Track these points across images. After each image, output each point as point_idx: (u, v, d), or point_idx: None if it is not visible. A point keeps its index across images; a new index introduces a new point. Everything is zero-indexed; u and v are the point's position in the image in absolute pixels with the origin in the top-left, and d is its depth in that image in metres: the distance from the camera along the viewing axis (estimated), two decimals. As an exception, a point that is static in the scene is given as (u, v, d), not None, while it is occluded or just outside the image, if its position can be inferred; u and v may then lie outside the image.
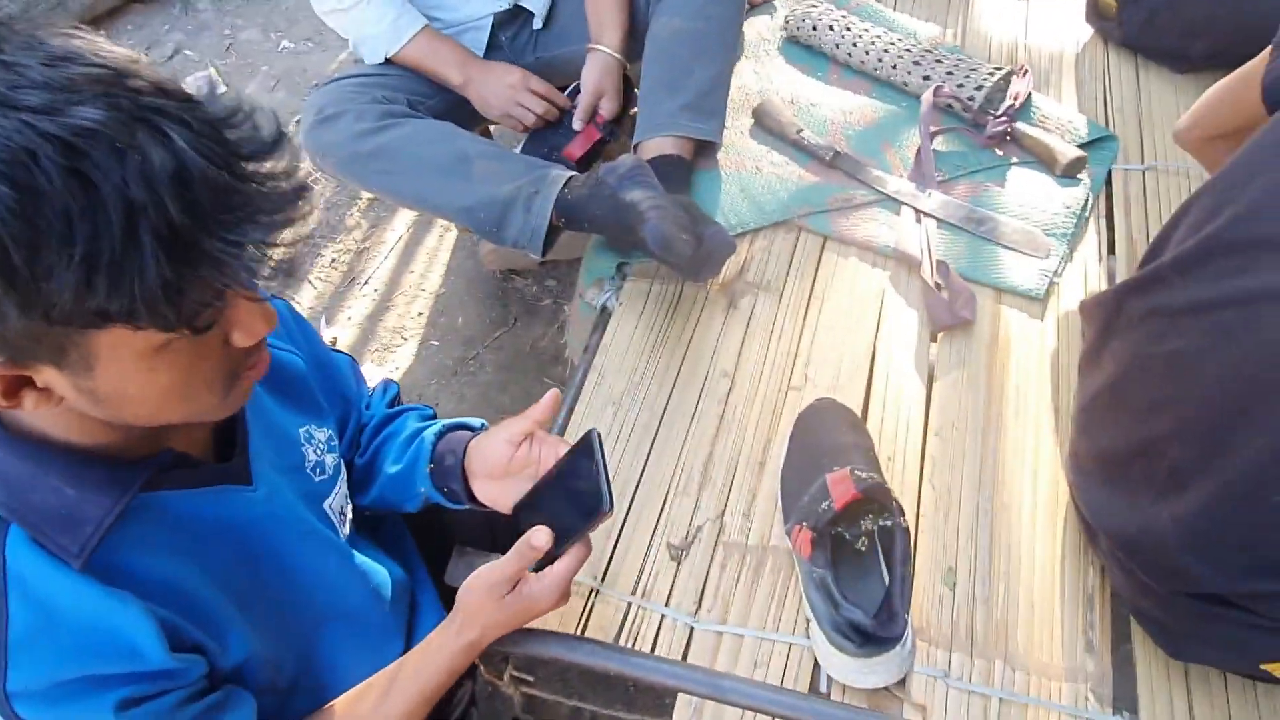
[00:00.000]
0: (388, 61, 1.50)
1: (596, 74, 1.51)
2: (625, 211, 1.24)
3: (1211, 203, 0.81)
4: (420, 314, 2.10)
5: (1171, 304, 0.82)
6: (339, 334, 2.07)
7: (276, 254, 0.56)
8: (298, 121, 2.68)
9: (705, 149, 1.47)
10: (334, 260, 2.24)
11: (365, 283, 2.18)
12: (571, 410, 1.22)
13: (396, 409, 1.09)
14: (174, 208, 0.50)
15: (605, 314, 1.35)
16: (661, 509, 1.09)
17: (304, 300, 2.17)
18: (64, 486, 0.64)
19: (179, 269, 0.52)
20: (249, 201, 0.54)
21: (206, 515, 0.74)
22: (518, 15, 1.63)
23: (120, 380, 0.58)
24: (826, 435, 1.08)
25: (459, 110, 1.58)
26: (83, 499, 0.64)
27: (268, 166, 0.56)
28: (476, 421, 1.02)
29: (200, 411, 0.66)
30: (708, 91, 1.45)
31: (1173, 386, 0.81)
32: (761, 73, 1.64)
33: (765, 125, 1.52)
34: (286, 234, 0.56)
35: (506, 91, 1.48)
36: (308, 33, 2.97)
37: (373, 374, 1.97)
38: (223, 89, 2.84)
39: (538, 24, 1.63)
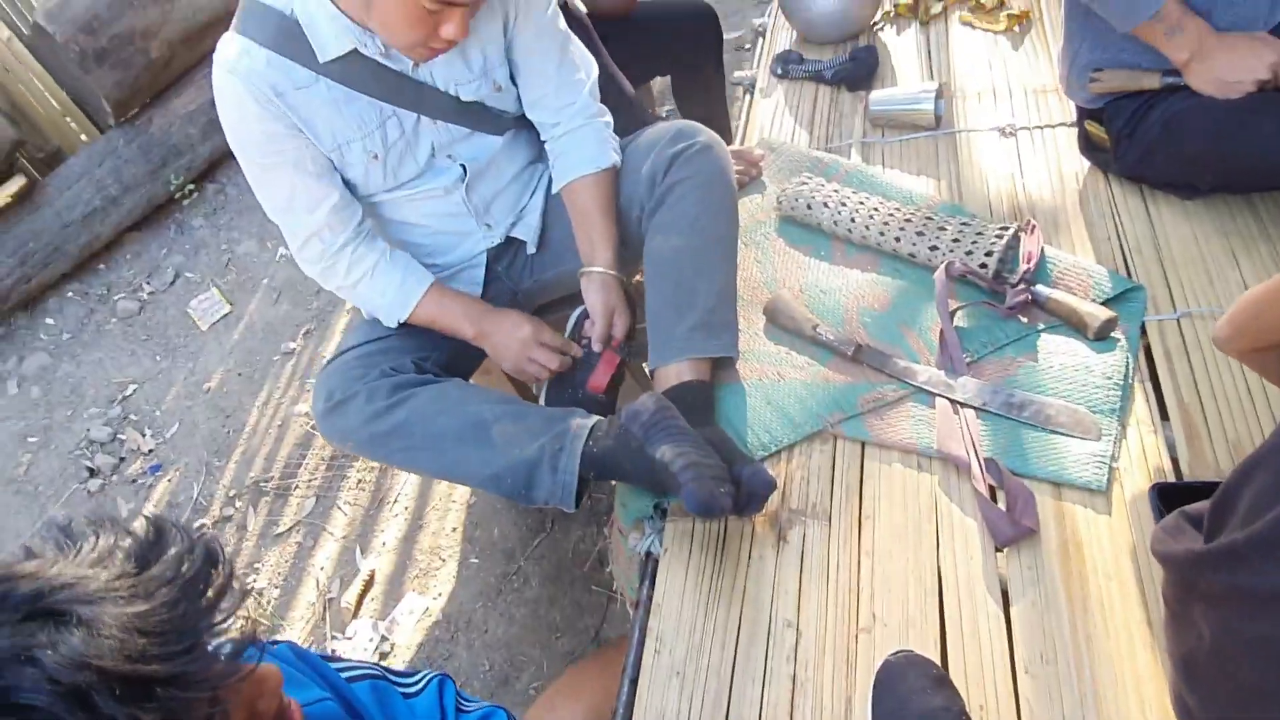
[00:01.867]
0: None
1: (601, 295, 1.48)
2: (658, 471, 1.20)
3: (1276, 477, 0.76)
4: (454, 529, 2.05)
5: (1258, 588, 0.76)
6: (375, 563, 2.02)
7: (230, 637, 0.57)
8: (306, 333, 2.70)
9: (724, 363, 1.44)
10: (360, 481, 2.21)
11: (394, 501, 2.15)
12: (635, 683, 1.15)
13: None
14: (111, 667, 0.50)
15: (651, 560, 1.30)
16: (751, 810, 1.01)
17: (336, 529, 2.13)
18: None
19: (152, 708, 0.51)
20: (175, 623, 0.54)
21: None
22: (511, 244, 1.62)
23: None
24: (912, 699, 1.01)
25: (466, 354, 1.55)
26: None
27: (175, 586, 0.55)
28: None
29: None
30: (715, 306, 1.42)
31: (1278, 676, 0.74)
32: (764, 260, 1.62)
33: (780, 323, 1.49)
34: (226, 622, 0.56)
35: (518, 348, 1.46)
36: (302, 238, 3.00)
37: (416, 605, 1.92)
38: (226, 309, 2.86)
39: (531, 249, 1.62)
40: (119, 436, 2.56)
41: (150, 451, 2.49)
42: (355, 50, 1.29)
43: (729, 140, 2.39)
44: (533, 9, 1.41)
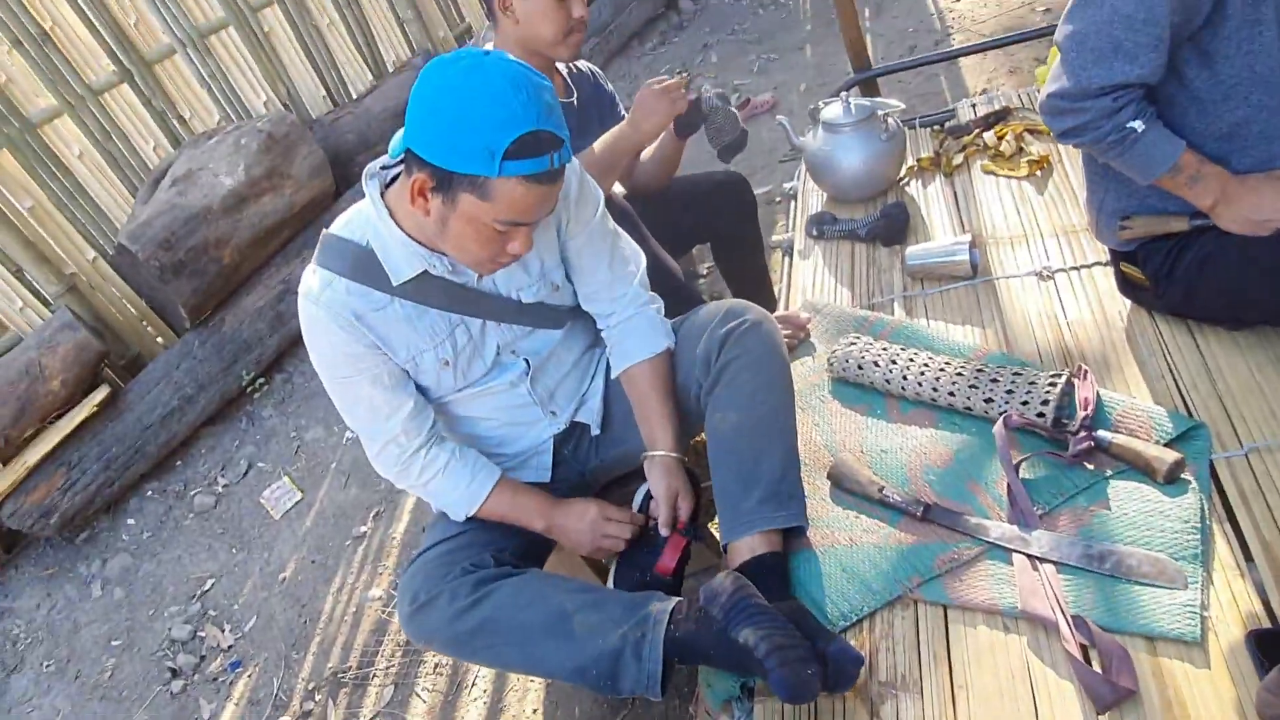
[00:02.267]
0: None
1: (665, 480, 1.53)
2: (743, 655, 1.21)
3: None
4: (535, 710, 2.03)
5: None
6: (458, 752, 2.00)
7: None
8: (376, 515, 2.76)
9: (794, 531, 1.46)
10: (437, 666, 2.21)
11: (473, 685, 2.14)
12: None
13: None
14: None
15: (743, 744, 1.28)
16: None
17: (416, 717, 2.12)
18: None
19: None
20: None
21: None
22: (575, 428, 1.68)
23: None
24: None
25: (541, 540, 1.59)
26: None
27: None
28: None
29: None
30: (781, 477, 1.45)
31: None
32: (821, 424, 1.66)
33: (845, 487, 1.51)
34: None
35: (589, 531, 1.51)
36: (366, 420, 3.11)
37: (502, 795, 1.88)
38: (297, 496, 2.95)
39: (595, 431, 1.68)
40: (199, 634, 2.61)
41: (230, 647, 2.53)
42: (425, 270, 1.40)
43: (772, 301, 2.49)
44: (583, 215, 1.52)
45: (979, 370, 1.57)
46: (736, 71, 4.48)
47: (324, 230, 1.45)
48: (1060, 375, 1.51)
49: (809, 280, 2.05)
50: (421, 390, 1.53)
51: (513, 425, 1.63)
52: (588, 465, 1.71)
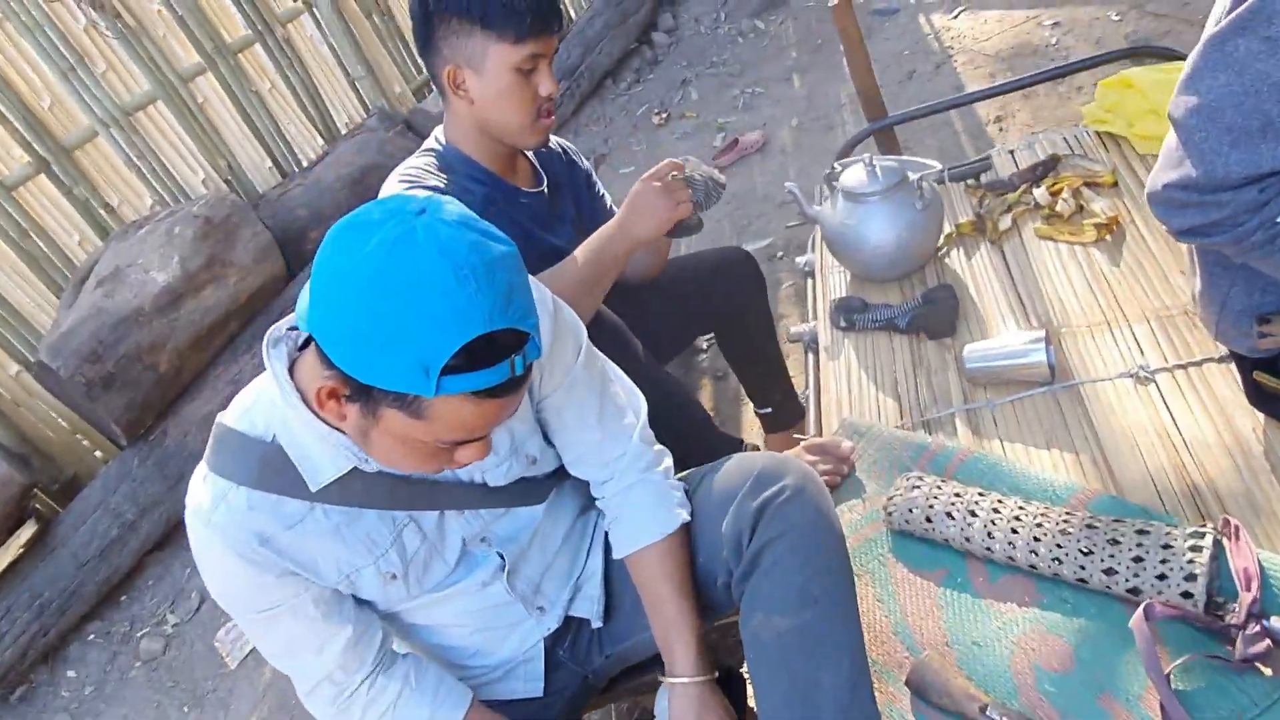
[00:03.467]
0: None
1: (693, 713, 1.16)
2: None
3: None
4: None
5: None
6: None
7: None
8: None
9: (869, 775, 1.09)
10: None
11: None
12: None
13: None
14: None
15: None
16: None
17: None
18: None
19: None
20: None
21: None
22: (570, 623, 1.32)
23: None
24: None
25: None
26: None
27: None
28: None
29: None
30: (850, 700, 1.09)
31: None
32: (886, 597, 1.29)
33: (931, 699, 1.14)
34: None
35: None
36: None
37: None
38: (257, 641, 2.56)
39: (596, 623, 1.31)
40: (145, 822, 2.22)
41: (180, 840, 2.14)
42: (355, 468, 1.04)
43: (792, 392, 2.12)
44: (561, 363, 1.16)
45: (1089, 526, 1.21)
46: (720, 108, 4.14)
47: (217, 420, 1.08)
48: (1202, 534, 1.15)
49: (842, 386, 1.68)
50: (364, 603, 1.16)
51: (489, 630, 1.26)
52: (591, 665, 1.34)
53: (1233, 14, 0.99)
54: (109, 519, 2.83)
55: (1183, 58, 1.96)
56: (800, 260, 2.10)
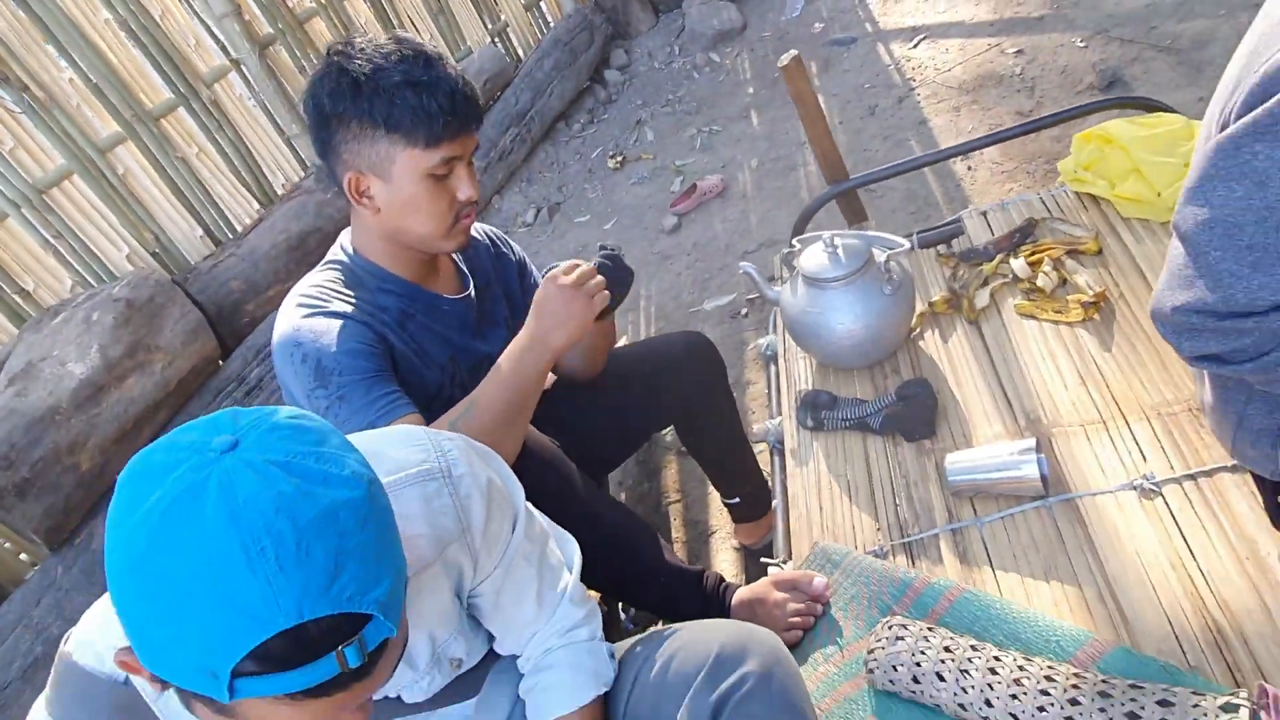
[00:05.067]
0: None
1: None
2: None
3: None
4: None
5: None
6: None
7: None
8: None
9: None
10: None
11: None
12: None
13: None
14: None
15: None
16: None
17: None
18: None
19: None
20: None
21: None
22: None
23: None
24: None
25: None
26: None
27: None
28: None
29: None
30: None
31: None
32: (872, 779, 1.11)
33: None
34: None
35: None
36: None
37: None
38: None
39: None
40: None
41: None
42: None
43: (763, 482, 1.94)
44: (495, 546, 0.99)
45: (1103, 694, 1.03)
46: (676, 149, 3.98)
47: (60, 649, 0.89)
48: (1236, 705, 0.98)
49: (812, 498, 1.51)
50: None
51: None
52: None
53: (1250, 115, 0.83)
54: (31, 637, 2.59)
55: (1167, 109, 1.82)
56: (762, 342, 1.92)
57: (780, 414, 1.73)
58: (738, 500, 1.96)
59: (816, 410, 1.60)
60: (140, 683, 0.82)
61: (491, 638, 1.08)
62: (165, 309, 2.91)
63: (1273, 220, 0.84)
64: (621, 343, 1.86)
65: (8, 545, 2.92)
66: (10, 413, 2.59)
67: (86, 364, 2.70)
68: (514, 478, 1.05)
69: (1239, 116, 0.85)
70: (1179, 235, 0.92)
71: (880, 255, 1.58)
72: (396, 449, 0.93)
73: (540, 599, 1.04)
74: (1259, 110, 0.82)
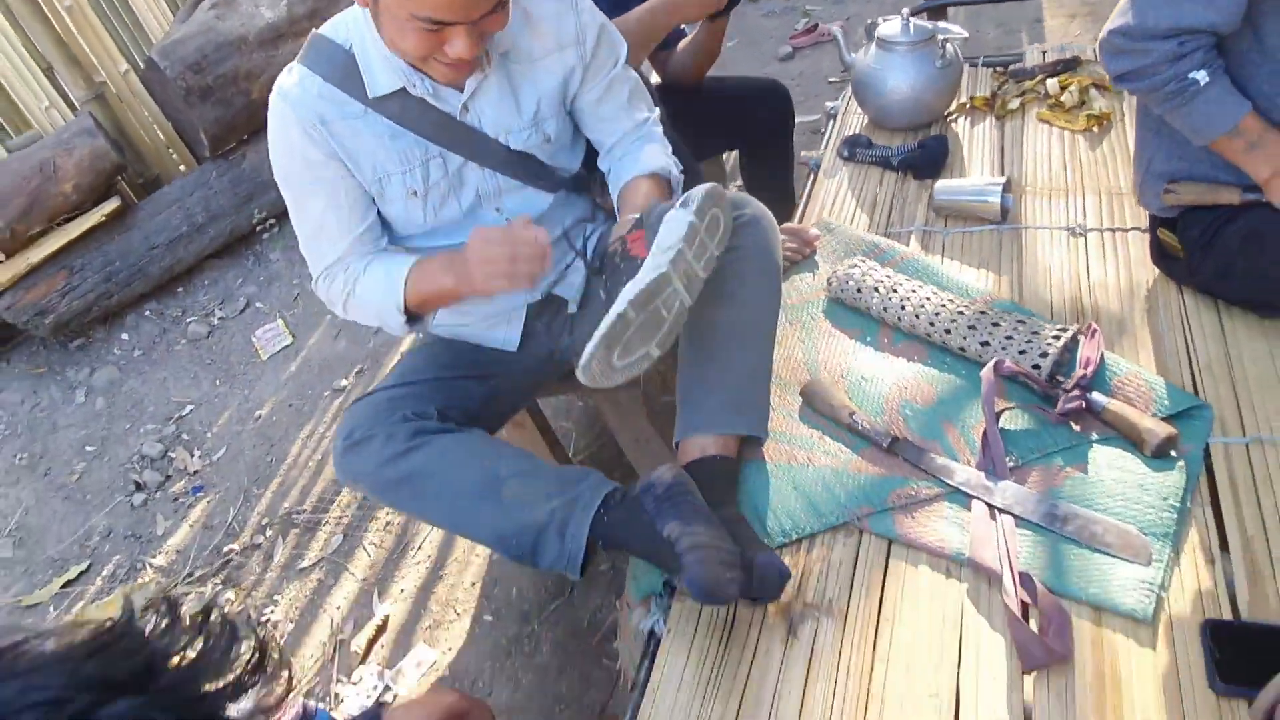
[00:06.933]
0: (410, 318, 1.41)
1: None
2: (662, 549, 1.15)
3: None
4: (473, 584, 2.01)
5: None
6: (390, 609, 1.99)
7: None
8: (359, 372, 2.73)
9: (752, 441, 1.39)
10: (387, 524, 2.20)
11: (418, 548, 2.12)
12: (620, 771, 1.08)
13: None
14: None
15: (654, 640, 1.24)
16: None
17: (358, 569, 2.11)
18: None
19: None
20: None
21: None
22: (552, 302, 1.61)
23: None
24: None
25: (494, 405, 1.54)
26: None
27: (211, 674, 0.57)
28: None
29: None
30: (748, 384, 1.38)
31: None
32: (807, 341, 1.57)
33: (816, 407, 1.43)
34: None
35: (499, 251, 1.26)
36: (368, 279, 3.06)
37: (424, 657, 1.88)
38: (288, 341, 2.92)
39: (572, 309, 1.60)
40: (169, 454, 2.61)
41: (196, 472, 2.54)
42: (404, 88, 1.32)
43: (791, 220, 2.37)
44: (601, 66, 1.43)
45: (982, 313, 1.47)
46: (809, -4, 4.27)
47: (313, 30, 1.37)
48: (1066, 330, 1.41)
49: (829, 200, 1.94)
50: (388, 226, 1.45)
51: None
52: (559, 343, 1.63)
53: None
54: (181, 216, 3.18)
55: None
56: (829, 105, 2.32)
57: (825, 148, 2.14)
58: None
59: (854, 147, 2.01)
60: (372, 44, 1.29)
61: (582, 157, 1.53)
62: (345, -11, 3.37)
63: None
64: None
65: (173, 154, 3.50)
66: (208, 29, 3.10)
67: (275, 11, 3.18)
68: (623, 41, 1.48)
69: None
70: None
71: (941, 37, 1.95)
72: None
73: (632, 116, 1.49)
74: None
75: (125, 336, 3.11)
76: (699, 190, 1.26)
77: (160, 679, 0.54)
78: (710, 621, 1.22)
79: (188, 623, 0.58)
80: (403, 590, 2.04)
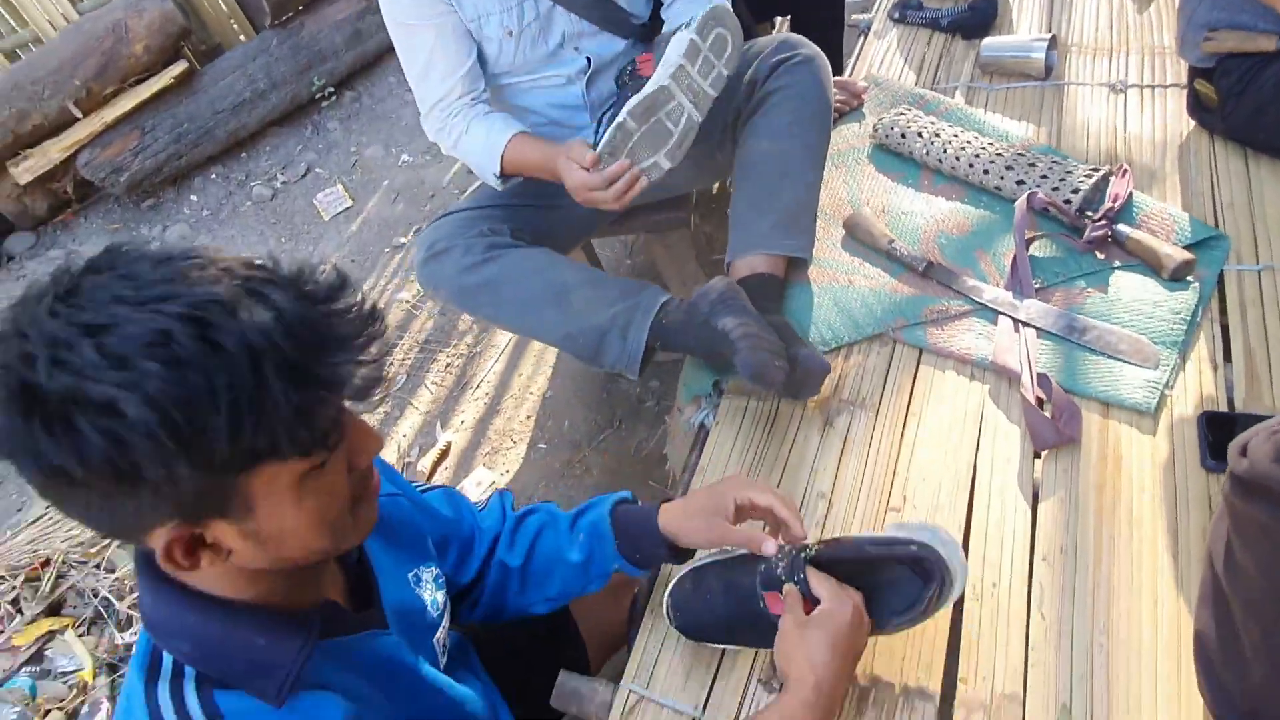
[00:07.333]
0: (503, 176, 1.55)
1: None
2: (718, 339, 1.28)
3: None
4: (529, 417, 2.18)
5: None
6: (452, 437, 2.17)
7: (365, 370, 0.64)
8: (416, 231, 2.87)
9: (797, 264, 1.51)
10: (448, 365, 2.36)
11: (477, 386, 2.29)
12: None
13: (524, 510, 1.14)
14: (285, 346, 0.59)
15: (703, 431, 1.39)
16: (760, 639, 1.09)
17: (421, 404, 2.29)
18: (255, 636, 0.71)
19: (302, 394, 0.60)
20: (334, 330, 0.63)
21: (360, 658, 0.81)
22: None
23: (277, 516, 0.66)
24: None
25: (559, 232, 1.66)
26: (272, 646, 0.71)
27: (341, 304, 0.65)
28: (617, 495, 1.12)
29: (340, 538, 0.73)
30: (796, 211, 1.49)
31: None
32: (852, 182, 1.68)
33: (857, 236, 1.54)
34: (372, 349, 0.65)
35: (577, 193, 1.44)
36: (424, 147, 3.18)
37: (484, 478, 2.06)
38: (348, 203, 3.06)
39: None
40: (240, 304, 2.79)
41: (266, 320, 2.71)
42: None
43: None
44: None
45: (1020, 154, 1.56)
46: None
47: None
48: (1099, 170, 1.50)
49: (878, 59, 2.00)
50: (482, 61, 1.56)
51: (557, 126, 1.66)
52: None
53: None
54: (245, 82, 3.29)
55: None
56: (861, 18, 2.36)
57: (875, 11, 2.19)
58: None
59: (905, 8, 2.06)
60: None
61: (652, 8, 1.61)
62: None
63: None
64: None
65: (234, 25, 3.58)
66: (270, -106, 3.14)
67: (334, -124, 3.21)
68: None
69: None
70: None
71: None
72: None
73: None
74: None
75: (194, 198, 3.26)
76: (700, 10, 1.37)
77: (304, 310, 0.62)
78: (755, 415, 1.36)
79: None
80: (463, 421, 2.21)
